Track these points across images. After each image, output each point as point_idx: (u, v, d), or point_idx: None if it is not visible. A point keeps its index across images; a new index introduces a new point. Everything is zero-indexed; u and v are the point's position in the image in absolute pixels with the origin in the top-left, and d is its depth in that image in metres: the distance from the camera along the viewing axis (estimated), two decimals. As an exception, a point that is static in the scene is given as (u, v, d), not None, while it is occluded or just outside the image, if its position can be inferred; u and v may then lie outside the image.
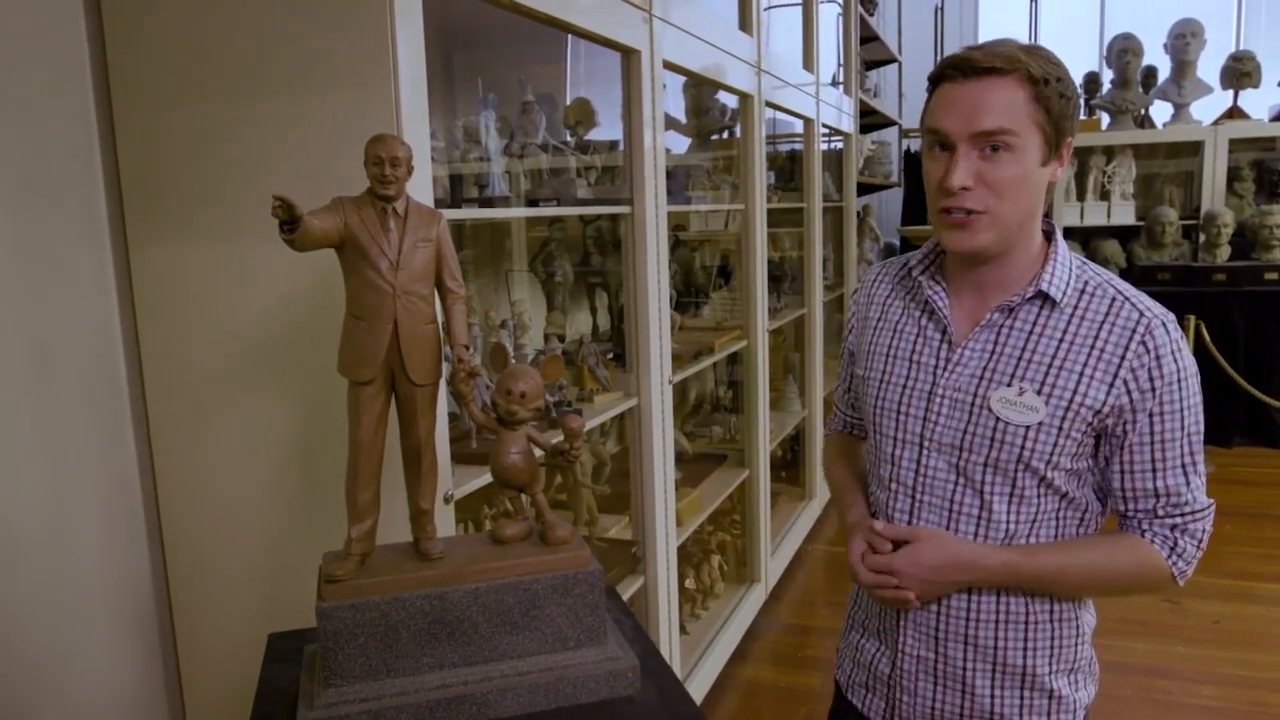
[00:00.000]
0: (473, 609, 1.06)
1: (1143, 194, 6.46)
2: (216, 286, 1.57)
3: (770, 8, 3.41)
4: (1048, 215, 1.21)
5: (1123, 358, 1.11)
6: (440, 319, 1.08)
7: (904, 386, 1.22)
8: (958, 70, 1.10)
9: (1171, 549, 1.15)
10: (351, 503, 1.07)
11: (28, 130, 1.46)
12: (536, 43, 2.61)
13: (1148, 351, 1.10)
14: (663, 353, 2.35)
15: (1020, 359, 1.14)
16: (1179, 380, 1.12)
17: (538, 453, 1.14)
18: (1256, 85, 6.08)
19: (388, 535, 1.15)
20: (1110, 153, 6.39)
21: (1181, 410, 1.12)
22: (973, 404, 1.15)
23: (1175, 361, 1.11)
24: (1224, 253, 5.72)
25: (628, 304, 2.35)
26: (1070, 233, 6.47)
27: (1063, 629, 1.20)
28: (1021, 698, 1.20)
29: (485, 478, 1.72)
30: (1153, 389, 1.11)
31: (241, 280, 1.54)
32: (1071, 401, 1.11)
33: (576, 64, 2.84)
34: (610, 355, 2.49)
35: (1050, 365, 1.13)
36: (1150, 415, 1.12)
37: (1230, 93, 6.15)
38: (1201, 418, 1.15)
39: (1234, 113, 6.13)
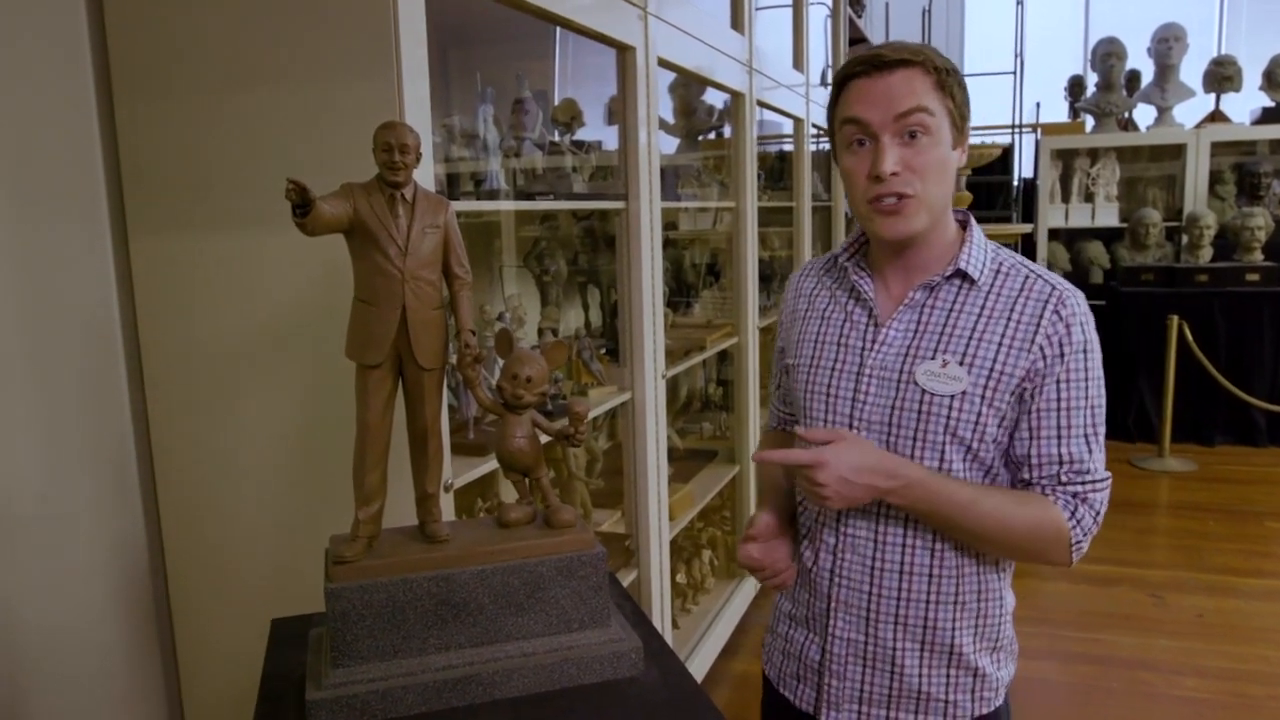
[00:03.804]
0: (479, 590, 1.07)
1: (1126, 196, 6.54)
2: (215, 276, 1.57)
3: (761, 8, 3.43)
4: (958, 209, 1.28)
5: (1038, 325, 1.16)
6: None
7: (832, 369, 1.26)
8: (871, 65, 1.17)
9: (1072, 514, 1.19)
10: (359, 485, 1.08)
11: (27, 119, 1.47)
12: (525, 41, 2.62)
13: (1060, 319, 1.16)
14: (656, 347, 2.37)
15: (942, 334, 1.19)
16: (1085, 350, 1.17)
17: (543, 438, 1.15)
18: (1238, 89, 6.16)
19: (390, 519, 1.16)
20: (1094, 155, 6.47)
21: (1086, 380, 1.18)
22: (899, 380, 1.20)
23: (1083, 331, 1.17)
24: (1206, 254, 5.79)
25: (622, 298, 2.36)
26: (1054, 234, 6.54)
27: (988, 608, 1.25)
28: (948, 676, 1.24)
29: (483, 468, 1.73)
30: (1061, 355, 1.16)
31: (241, 270, 1.55)
32: (992, 370, 1.16)
33: (564, 62, 2.85)
34: (603, 350, 2.51)
35: (971, 338, 1.18)
36: (1058, 381, 1.17)
37: (1212, 96, 6.23)
38: (1104, 392, 1.20)
39: (1216, 116, 6.20)
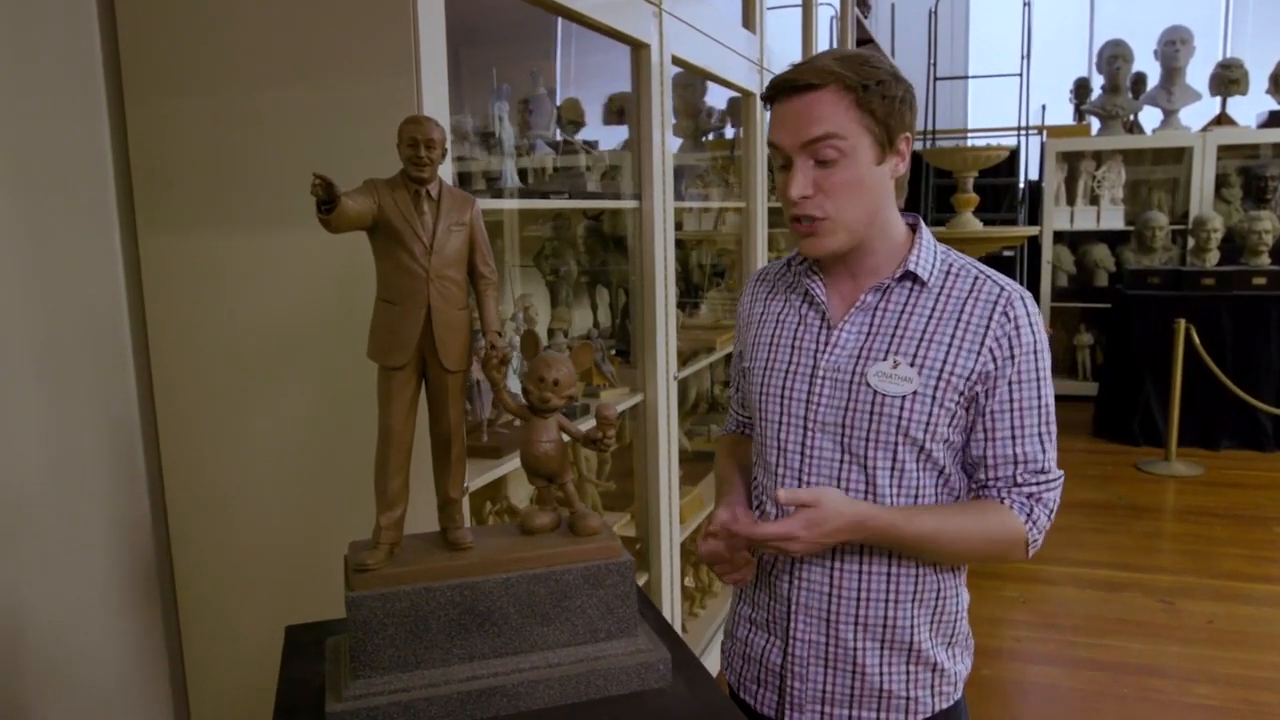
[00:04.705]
0: (504, 600, 1.04)
1: (1131, 199, 6.52)
2: (227, 275, 1.54)
3: (769, 8, 3.41)
4: (911, 209, 1.29)
5: (987, 327, 1.17)
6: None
7: (786, 371, 1.27)
8: (781, 90, 1.18)
9: (1028, 516, 1.20)
10: (381, 491, 1.04)
11: (36, 115, 1.43)
12: (527, 41, 2.60)
13: (1009, 320, 1.17)
14: (669, 348, 2.34)
15: (894, 335, 1.20)
16: (1035, 351, 1.18)
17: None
18: (1244, 92, 6.15)
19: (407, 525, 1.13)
20: (1100, 158, 6.45)
21: (1038, 380, 1.19)
22: (851, 381, 1.21)
23: (1032, 332, 1.18)
24: (1213, 257, 5.77)
25: (634, 299, 2.34)
26: (1059, 237, 6.52)
27: (945, 604, 1.27)
28: (908, 672, 1.25)
29: (497, 471, 1.70)
30: (1012, 356, 1.17)
31: (254, 269, 1.52)
32: (942, 370, 1.17)
33: (567, 62, 2.84)
34: (614, 351, 2.48)
35: (921, 339, 1.19)
36: (1010, 382, 1.18)
37: (1218, 99, 6.21)
38: (1053, 391, 1.22)
39: (1222, 119, 6.19)
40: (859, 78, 1.14)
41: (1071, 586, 3.67)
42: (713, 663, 2.78)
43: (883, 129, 1.16)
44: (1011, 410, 1.18)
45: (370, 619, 1.00)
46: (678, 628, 2.52)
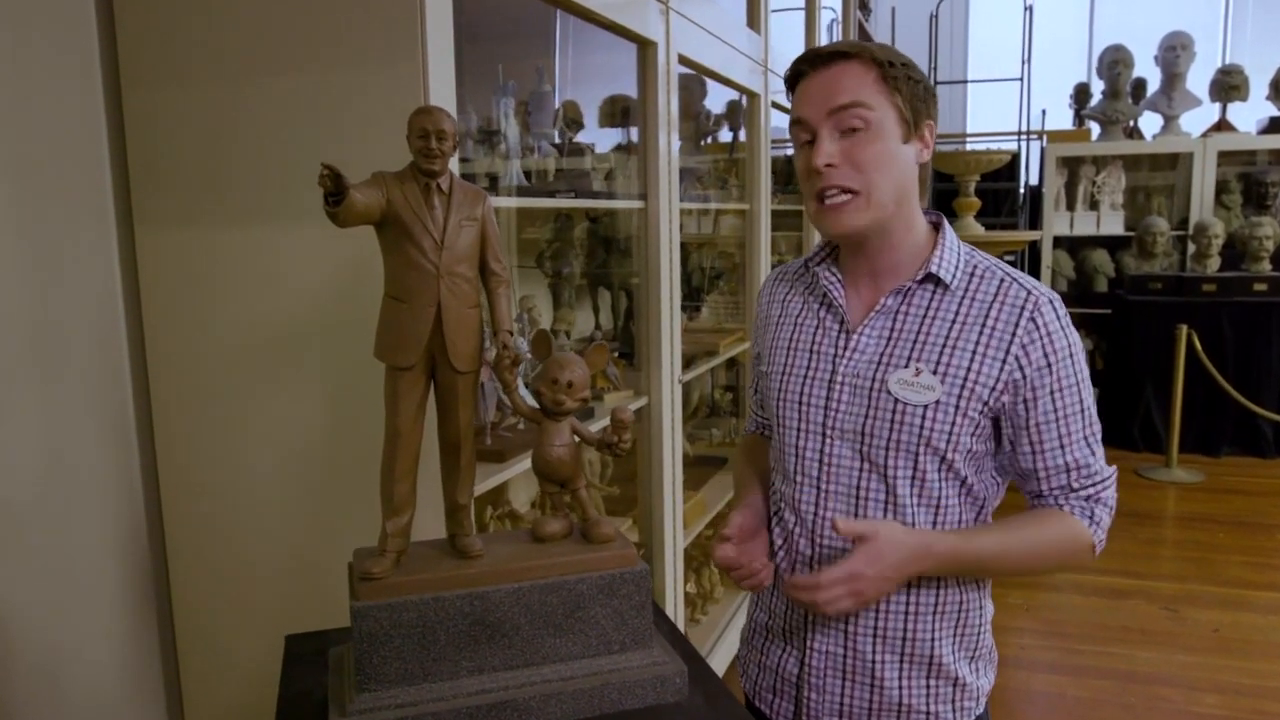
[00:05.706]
0: (515, 610, 1.00)
1: (1130, 204, 6.50)
2: (227, 272, 1.50)
3: (773, 11, 3.38)
4: (930, 210, 1.25)
5: (1013, 335, 1.13)
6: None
7: (805, 376, 1.23)
8: (809, 64, 1.16)
9: (1090, 518, 1.17)
10: (387, 496, 1.00)
11: (31, 107, 1.39)
12: (525, 40, 2.56)
13: (1038, 328, 1.13)
14: (673, 351, 2.30)
15: (915, 341, 1.16)
16: (1070, 356, 1.15)
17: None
18: (1245, 98, 6.13)
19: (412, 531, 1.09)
20: (1100, 163, 6.43)
21: (1077, 384, 1.16)
22: (872, 388, 1.17)
23: (1065, 337, 1.15)
24: (1214, 263, 5.74)
25: (639, 301, 2.30)
26: (1059, 242, 6.50)
27: (968, 617, 1.23)
28: (928, 686, 1.21)
29: (500, 476, 1.66)
30: (1049, 365, 1.13)
31: (255, 266, 1.48)
32: (966, 379, 1.13)
33: (564, 63, 2.81)
34: (617, 354, 2.44)
35: (944, 345, 1.15)
36: (1051, 392, 1.14)
37: (1219, 105, 6.20)
38: (1091, 391, 1.18)
39: (1222, 125, 6.17)
40: (886, 55, 1.14)
41: (1075, 593, 3.64)
42: (717, 669, 2.74)
43: (908, 108, 1.14)
44: (1057, 420, 1.15)
45: (376, 630, 0.96)
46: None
